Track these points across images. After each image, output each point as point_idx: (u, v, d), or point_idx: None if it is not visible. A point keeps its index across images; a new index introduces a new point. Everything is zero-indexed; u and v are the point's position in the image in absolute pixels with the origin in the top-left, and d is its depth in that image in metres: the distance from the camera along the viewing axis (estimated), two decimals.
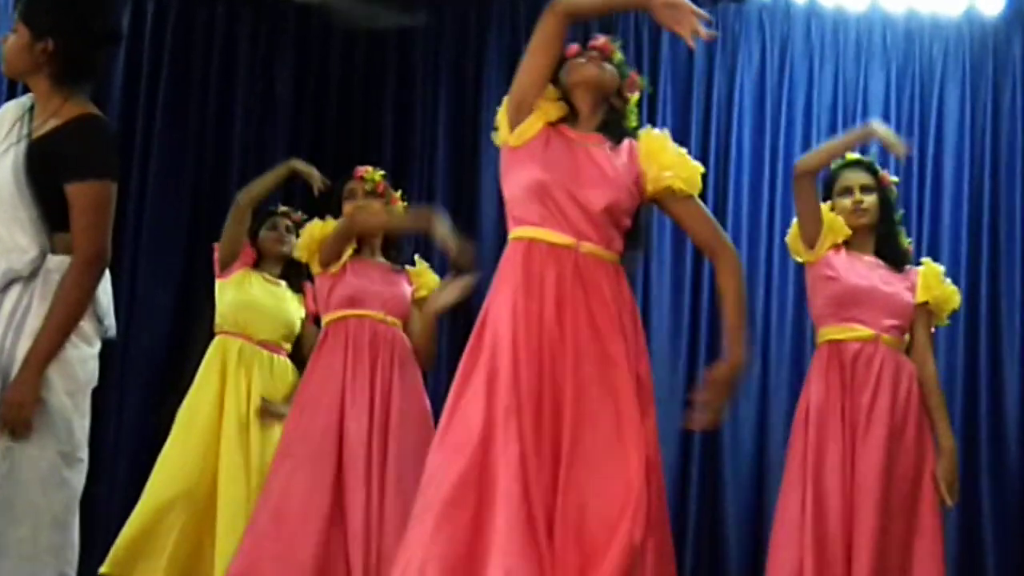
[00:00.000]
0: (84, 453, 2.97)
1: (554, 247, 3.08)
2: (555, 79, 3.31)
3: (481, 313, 3.13)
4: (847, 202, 4.17)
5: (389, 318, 4.37)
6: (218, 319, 4.99)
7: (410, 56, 6.70)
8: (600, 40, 3.35)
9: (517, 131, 3.21)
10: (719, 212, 6.49)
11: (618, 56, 3.36)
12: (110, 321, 3.06)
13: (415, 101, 6.67)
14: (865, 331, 4.03)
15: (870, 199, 4.17)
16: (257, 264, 5.09)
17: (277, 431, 4.64)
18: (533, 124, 3.21)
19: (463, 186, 6.54)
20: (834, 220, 4.15)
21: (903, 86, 6.65)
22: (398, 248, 4.60)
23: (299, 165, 5.11)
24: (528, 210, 3.13)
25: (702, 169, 3.31)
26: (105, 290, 3.04)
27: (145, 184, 6.31)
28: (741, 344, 3.21)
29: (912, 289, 4.14)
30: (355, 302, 4.35)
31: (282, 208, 5.18)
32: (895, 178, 4.34)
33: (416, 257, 4.70)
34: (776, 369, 6.36)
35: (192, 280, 6.05)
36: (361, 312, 4.33)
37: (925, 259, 4.32)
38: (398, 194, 4.64)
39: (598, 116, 3.29)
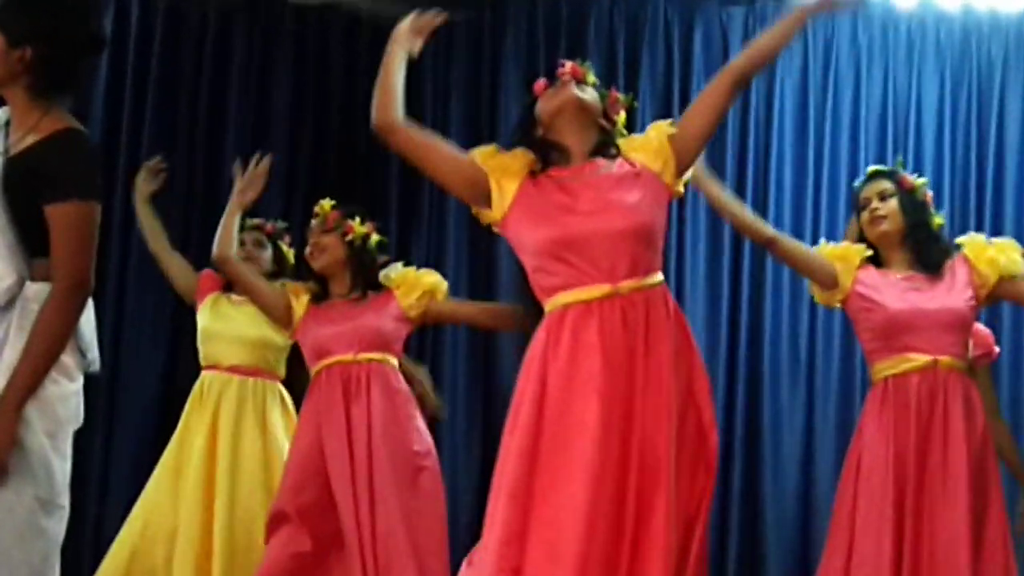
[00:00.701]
0: (65, 499, 2.95)
1: (591, 304, 3.05)
2: (532, 121, 3.28)
3: (514, 400, 3.10)
4: (865, 215, 4.19)
5: (361, 355, 4.43)
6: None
7: (419, 62, 6.68)
8: (567, 65, 3.32)
9: (494, 205, 3.20)
10: None
11: (592, 78, 3.33)
12: (94, 354, 3.06)
13: (425, 111, 6.67)
14: (921, 359, 3.98)
15: (888, 205, 4.17)
16: (230, 286, 5.16)
17: (245, 466, 4.80)
18: (505, 187, 3.19)
19: None
20: (835, 251, 4.14)
21: (959, 89, 6.64)
22: (366, 276, 4.60)
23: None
24: (552, 275, 3.11)
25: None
26: (88, 320, 3.04)
27: (131, 204, 6.30)
28: None
29: (968, 285, 4.07)
30: (322, 352, 4.47)
31: (252, 221, 5.21)
32: (922, 180, 4.30)
33: (383, 275, 4.64)
34: (823, 407, 6.32)
35: (184, 309, 6.03)
36: (329, 361, 4.44)
37: (959, 239, 4.23)
38: (355, 221, 4.59)
39: (590, 143, 3.25)
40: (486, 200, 3.23)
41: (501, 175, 3.21)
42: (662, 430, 2.99)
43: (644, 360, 3.02)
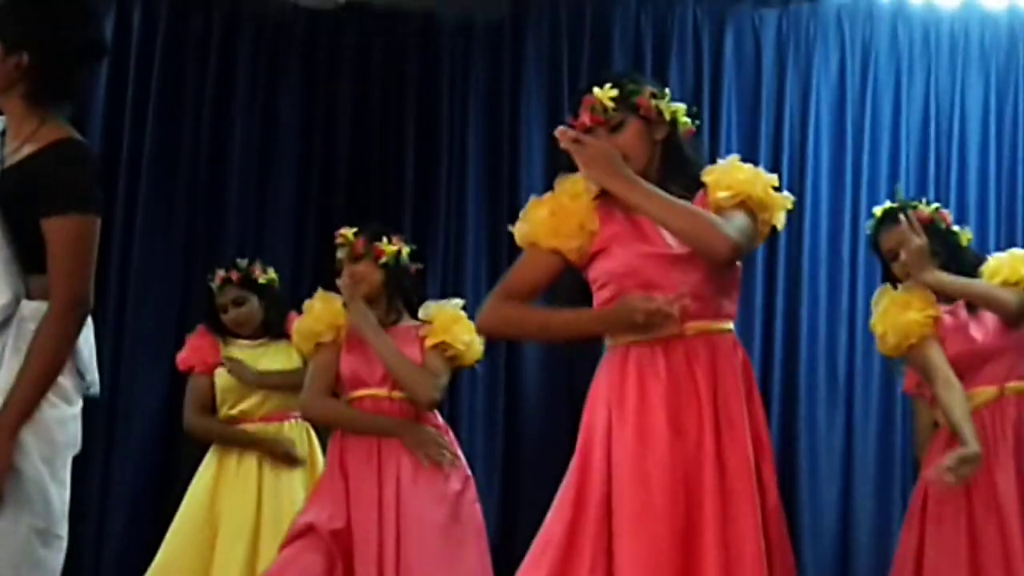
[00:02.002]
0: (63, 529, 2.95)
1: (654, 342, 3.01)
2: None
3: (579, 450, 3.07)
4: (897, 267, 4.16)
5: (395, 393, 4.44)
6: None
7: (435, 69, 6.71)
8: (586, 120, 3.14)
9: (576, 251, 3.11)
10: (793, 244, 6.47)
11: (611, 109, 3.13)
12: (93, 376, 3.05)
13: (441, 121, 6.67)
14: (989, 391, 4.03)
15: None
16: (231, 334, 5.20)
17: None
18: (589, 218, 3.08)
19: (498, 218, 6.52)
20: (918, 330, 4.05)
21: (1005, 94, 6.63)
22: (406, 297, 4.59)
23: None
24: None
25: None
26: (87, 340, 3.03)
27: (132, 218, 6.33)
28: None
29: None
30: (357, 382, 4.47)
31: (216, 280, 5.22)
32: (931, 207, 4.25)
33: (425, 308, 4.61)
34: (862, 429, 6.28)
35: (187, 326, 6.06)
36: (362, 393, 4.46)
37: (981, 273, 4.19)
38: (383, 243, 4.52)
39: (653, 170, 3.14)
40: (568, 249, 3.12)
41: (584, 216, 3.09)
42: (745, 490, 2.98)
43: (712, 408, 2.98)
